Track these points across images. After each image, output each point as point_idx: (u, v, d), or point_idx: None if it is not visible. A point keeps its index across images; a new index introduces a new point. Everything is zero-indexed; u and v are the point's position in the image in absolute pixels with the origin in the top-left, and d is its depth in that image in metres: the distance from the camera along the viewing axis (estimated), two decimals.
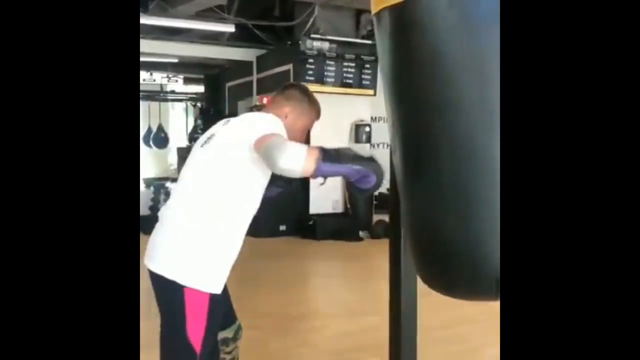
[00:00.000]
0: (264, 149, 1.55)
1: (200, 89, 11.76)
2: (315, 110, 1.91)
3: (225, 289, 1.71)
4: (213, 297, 1.57)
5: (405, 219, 1.55)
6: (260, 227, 6.75)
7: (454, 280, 1.46)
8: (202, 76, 10.96)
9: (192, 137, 9.64)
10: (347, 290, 4.92)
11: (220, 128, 1.78)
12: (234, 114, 8.92)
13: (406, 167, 1.48)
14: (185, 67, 10.76)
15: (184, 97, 12.71)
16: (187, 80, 12.25)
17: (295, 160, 1.52)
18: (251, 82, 8.54)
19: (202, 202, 1.63)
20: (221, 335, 1.77)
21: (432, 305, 3.47)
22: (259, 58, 8.36)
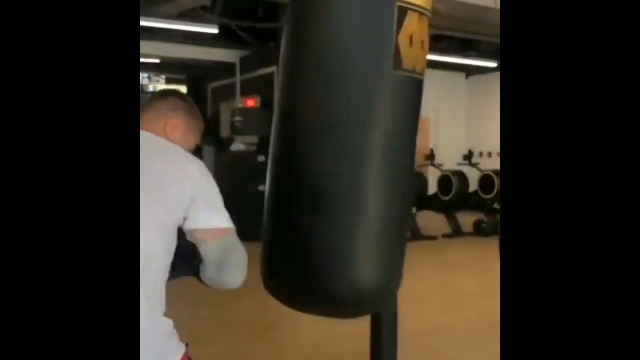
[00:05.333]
0: (223, 249, 1.36)
1: (182, 89, 11.68)
2: (202, 124, 1.57)
3: None
4: None
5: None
6: (243, 231, 6.68)
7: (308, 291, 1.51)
8: (184, 77, 10.87)
9: None
10: None
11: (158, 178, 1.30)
12: (216, 115, 8.89)
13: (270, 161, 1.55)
14: (167, 68, 10.67)
15: None
16: (169, 81, 12.15)
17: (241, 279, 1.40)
18: (234, 83, 8.49)
19: None
20: None
21: (412, 312, 3.45)
22: (242, 59, 8.31)
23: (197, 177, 1.37)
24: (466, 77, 11.09)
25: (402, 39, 1.46)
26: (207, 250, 1.36)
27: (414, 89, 1.54)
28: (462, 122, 11.08)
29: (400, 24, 1.46)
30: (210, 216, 1.36)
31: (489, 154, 9.92)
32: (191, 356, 1.38)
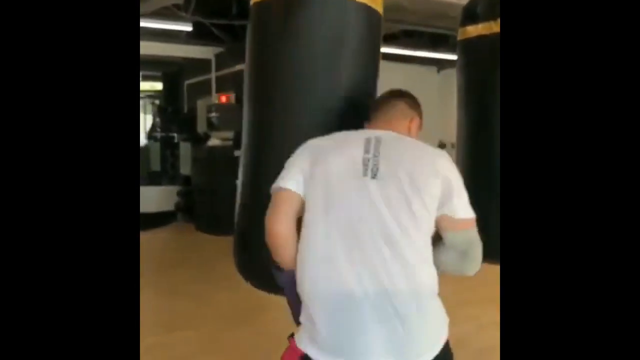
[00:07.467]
0: (469, 240, 1.46)
1: (158, 86, 11.63)
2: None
3: None
4: None
5: None
6: (222, 225, 6.73)
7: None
8: (159, 74, 10.83)
9: (151, 135, 9.54)
10: None
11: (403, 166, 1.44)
12: (193, 111, 8.88)
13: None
14: (142, 65, 10.59)
15: (142, 95, 12.54)
16: (144, 78, 12.07)
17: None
18: (210, 80, 8.51)
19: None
20: None
21: None
22: (217, 56, 8.33)
23: (448, 170, 1.47)
24: (438, 72, 11.26)
25: None
26: (454, 239, 1.46)
27: None
28: (434, 115, 11.23)
29: None
30: (461, 207, 1.45)
31: None
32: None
